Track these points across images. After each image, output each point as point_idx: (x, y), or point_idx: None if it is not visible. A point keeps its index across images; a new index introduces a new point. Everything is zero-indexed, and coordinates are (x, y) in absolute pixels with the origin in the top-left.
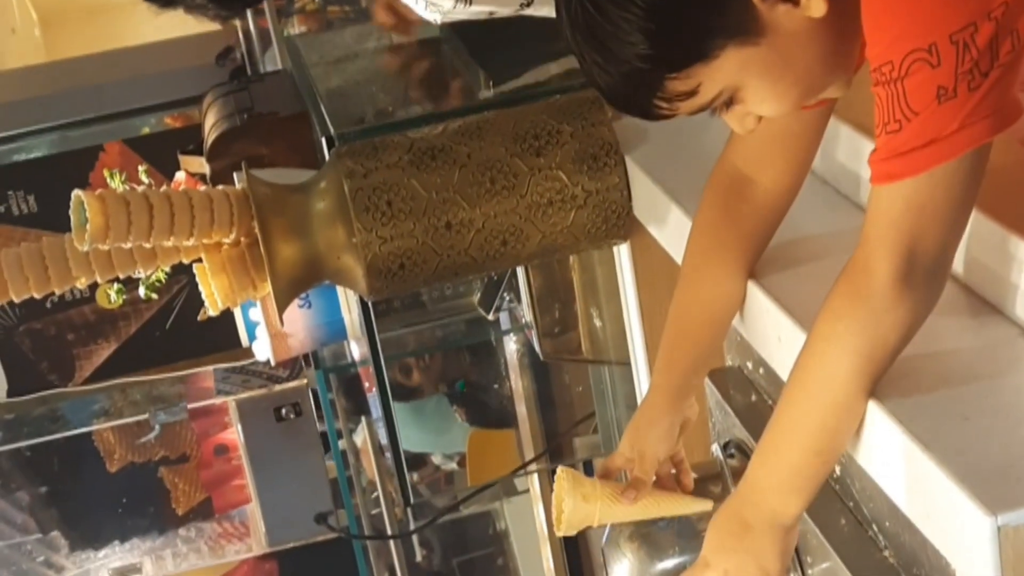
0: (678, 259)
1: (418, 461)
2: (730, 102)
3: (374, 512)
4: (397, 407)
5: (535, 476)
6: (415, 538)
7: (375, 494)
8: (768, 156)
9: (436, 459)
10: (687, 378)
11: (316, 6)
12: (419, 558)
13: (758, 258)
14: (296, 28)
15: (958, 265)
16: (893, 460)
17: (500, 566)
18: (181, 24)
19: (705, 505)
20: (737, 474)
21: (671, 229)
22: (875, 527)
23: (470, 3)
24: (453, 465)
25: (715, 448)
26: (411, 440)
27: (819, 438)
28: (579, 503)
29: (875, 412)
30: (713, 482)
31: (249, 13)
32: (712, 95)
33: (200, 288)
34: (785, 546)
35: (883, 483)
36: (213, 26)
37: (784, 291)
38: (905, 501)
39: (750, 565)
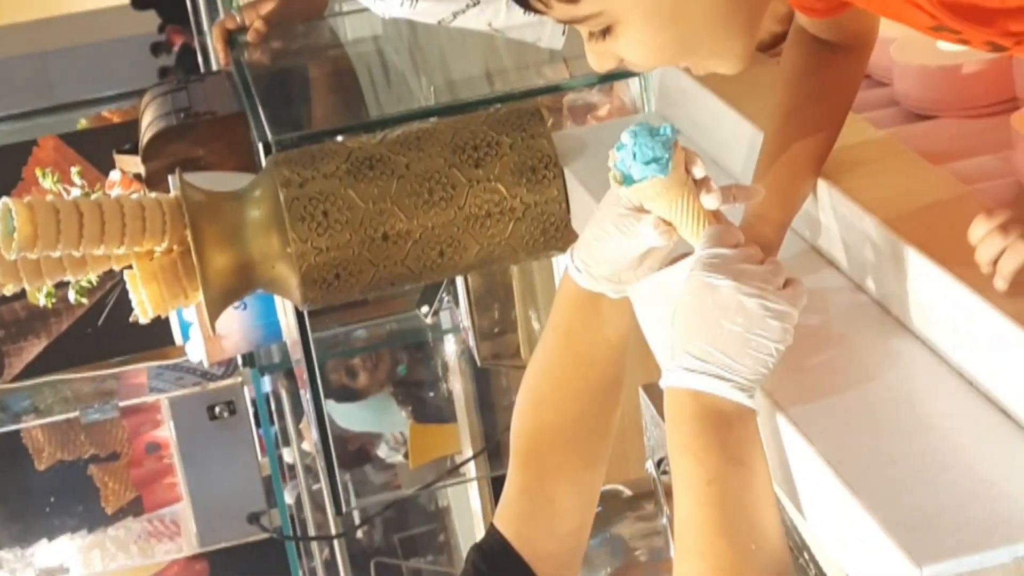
0: None
1: (361, 447)
2: (606, 32)
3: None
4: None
5: (471, 464)
6: (356, 514)
7: (316, 486)
8: (837, 25)
9: (381, 452)
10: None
11: None
12: (360, 535)
13: (853, 98)
14: None
15: (890, 294)
16: (822, 501)
17: (442, 543)
18: None
19: None
20: (671, 492)
21: None
22: (806, 554)
23: (416, 1)
24: (399, 457)
25: (649, 465)
26: (354, 421)
27: None
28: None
29: (806, 452)
30: (647, 499)
31: None
32: (589, 12)
33: (131, 295)
34: None
35: (813, 523)
36: None
37: None
38: (834, 543)
39: None
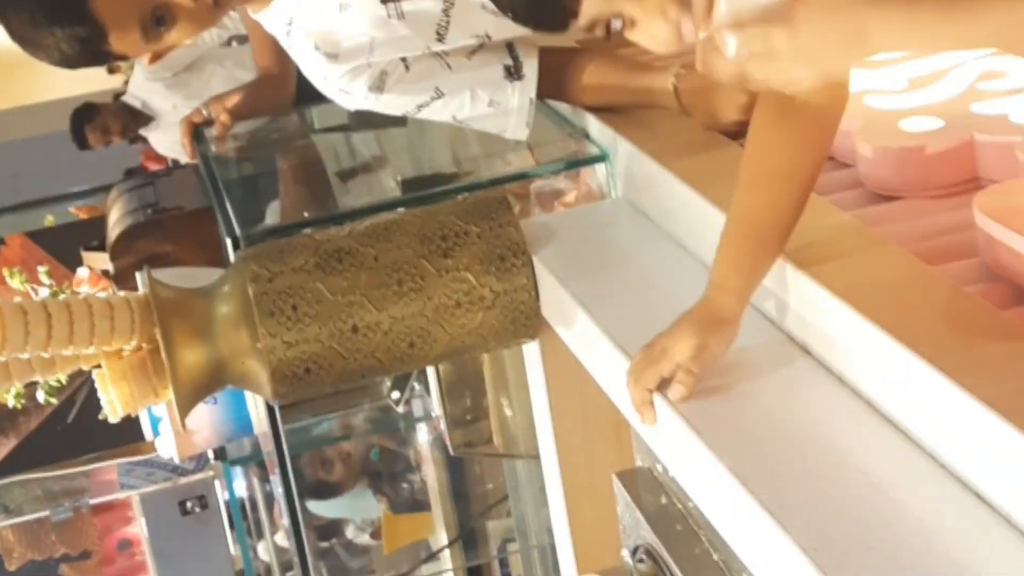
0: (585, 361)
1: (331, 525)
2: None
3: None
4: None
5: (447, 552)
6: None
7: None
8: None
9: (349, 533)
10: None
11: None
12: None
13: (820, 164)
14: None
15: (859, 377)
16: None
17: None
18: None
19: None
20: None
21: (577, 331)
22: None
23: (380, 94)
24: (366, 537)
25: (624, 553)
26: (328, 509)
27: None
28: None
29: (781, 539)
30: None
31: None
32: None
33: (100, 395)
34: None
35: None
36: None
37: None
38: None
39: None
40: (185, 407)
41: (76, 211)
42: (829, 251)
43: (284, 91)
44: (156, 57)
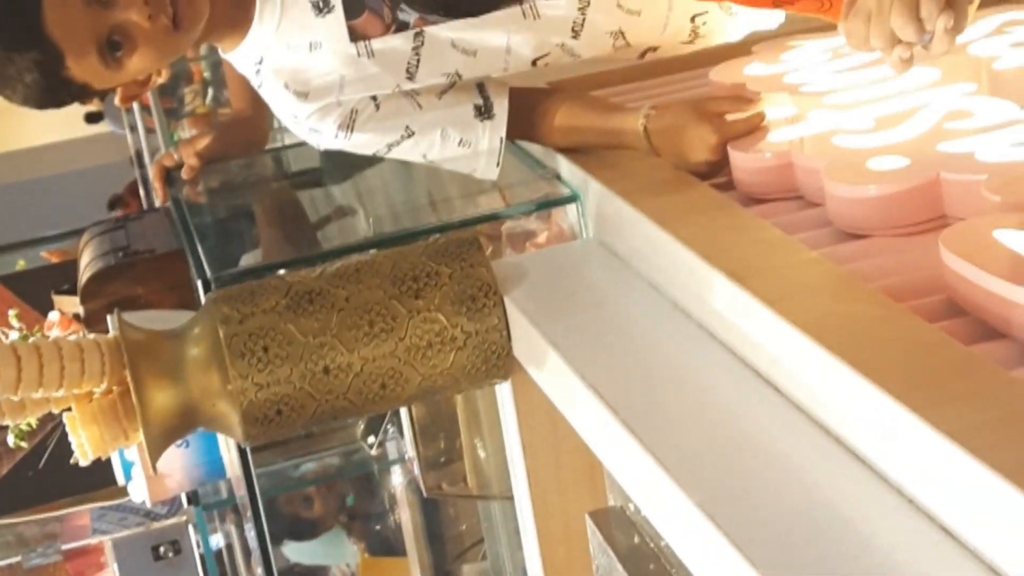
0: (557, 401)
1: (309, 573)
2: None
3: None
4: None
5: None
6: None
7: None
8: None
9: None
10: None
11: (206, 109)
12: None
13: None
14: (186, 131)
15: (826, 413)
16: None
17: None
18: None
19: None
20: None
21: (549, 372)
22: None
23: (350, 132)
24: None
25: None
26: (306, 555)
27: None
28: None
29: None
30: None
31: (137, 115)
32: None
33: (70, 438)
34: None
35: None
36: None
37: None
38: None
39: None
40: (156, 449)
41: (48, 255)
42: (797, 288)
43: (257, 132)
44: (128, 99)
